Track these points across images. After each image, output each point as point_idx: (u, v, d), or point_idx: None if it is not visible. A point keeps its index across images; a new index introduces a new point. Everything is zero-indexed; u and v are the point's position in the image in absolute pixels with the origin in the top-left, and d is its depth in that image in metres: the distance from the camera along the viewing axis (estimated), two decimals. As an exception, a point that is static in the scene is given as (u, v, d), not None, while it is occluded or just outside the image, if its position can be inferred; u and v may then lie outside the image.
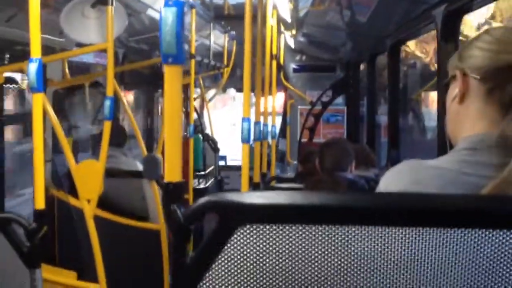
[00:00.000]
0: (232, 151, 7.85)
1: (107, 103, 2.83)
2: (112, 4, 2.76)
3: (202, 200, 0.96)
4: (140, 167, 3.80)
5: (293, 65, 6.80)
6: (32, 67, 2.04)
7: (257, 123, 3.24)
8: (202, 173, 6.24)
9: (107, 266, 2.78)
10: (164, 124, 3.97)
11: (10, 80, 3.14)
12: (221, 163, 7.31)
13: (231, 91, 9.48)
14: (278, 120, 6.53)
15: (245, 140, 2.57)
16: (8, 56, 3.21)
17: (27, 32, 2.08)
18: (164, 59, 1.08)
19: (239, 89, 8.86)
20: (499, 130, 1.04)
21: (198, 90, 6.85)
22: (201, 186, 5.65)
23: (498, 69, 1.05)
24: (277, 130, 6.39)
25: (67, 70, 3.77)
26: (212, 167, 6.52)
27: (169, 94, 1.11)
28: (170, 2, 1.07)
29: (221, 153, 7.02)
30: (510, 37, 1.07)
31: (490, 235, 0.89)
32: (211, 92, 7.59)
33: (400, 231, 0.91)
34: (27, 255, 1.86)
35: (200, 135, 6.39)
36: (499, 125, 1.05)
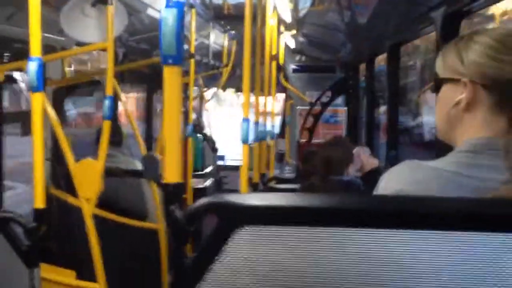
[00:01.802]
0: (231, 151, 7.86)
1: (107, 102, 2.83)
2: (112, 3, 2.76)
3: (202, 201, 0.97)
4: (138, 166, 3.80)
5: (292, 66, 6.81)
6: (32, 66, 2.04)
7: (256, 123, 3.24)
8: (201, 172, 6.24)
9: (106, 265, 2.78)
10: (163, 124, 3.98)
11: (10, 79, 3.14)
12: (220, 162, 7.31)
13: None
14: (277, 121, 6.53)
15: (244, 140, 2.58)
16: (7, 54, 3.21)
17: (27, 30, 2.08)
18: (164, 59, 1.08)
19: (239, 89, 8.86)
20: (506, 137, 1.03)
21: (197, 89, 6.84)
22: (200, 186, 5.65)
23: (510, 80, 1.03)
24: (276, 130, 6.39)
25: (66, 69, 3.77)
26: (211, 166, 6.52)
27: (168, 95, 1.11)
28: (171, 3, 1.07)
29: (219, 153, 7.03)
30: None
31: (489, 238, 0.90)
32: (210, 91, 7.60)
33: (398, 233, 0.91)
34: (26, 254, 1.86)
35: (199, 135, 6.39)
36: (506, 134, 1.04)
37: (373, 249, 0.91)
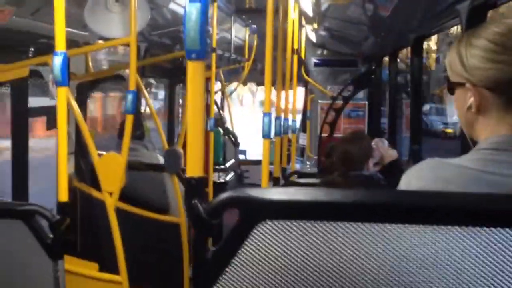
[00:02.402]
0: (252, 145, 7.87)
1: (130, 96, 2.85)
2: (135, -2, 2.77)
3: (224, 195, 0.97)
4: (161, 160, 3.83)
5: (314, 59, 6.77)
6: (57, 61, 2.07)
7: (277, 118, 3.24)
8: (222, 167, 6.25)
9: (128, 258, 2.81)
10: (184, 118, 3.97)
11: (35, 74, 3.18)
12: (241, 157, 7.32)
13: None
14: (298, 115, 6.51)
15: (266, 135, 2.58)
16: (32, 49, 3.25)
17: (52, 25, 2.10)
18: (188, 54, 1.09)
19: (260, 83, 8.86)
20: None
21: (219, 83, 6.86)
22: (221, 180, 5.67)
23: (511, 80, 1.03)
24: (297, 125, 6.37)
25: (90, 64, 3.81)
26: (232, 161, 6.54)
27: (192, 90, 1.12)
28: (195, -3, 1.07)
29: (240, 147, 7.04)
30: None
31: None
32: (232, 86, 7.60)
33: (420, 228, 0.91)
34: (50, 247, 1.89)
35: (220, 129, 6.40)
36: None
37: (395, 244, 0.91)
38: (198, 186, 1.10)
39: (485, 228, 0.89)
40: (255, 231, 0.93)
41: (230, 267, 0.95)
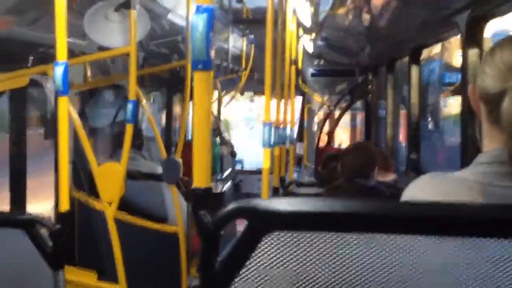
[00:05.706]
0: (249, 155, 7.86)
1: (129, 106, 2.85)
2: (135, 8, 2.78)
3: (231, 206, 0.97)
4: (159, 169, 3.82)
5: (311, 70, 6.78)
6: (59, 71, 2.07)
7: (276, 127, 3.25)
8: (220, 177, 6.24)
9: (127, 267, 2.80)
10: (182, 127, 3.97)
11: (34, 83, 3.18)
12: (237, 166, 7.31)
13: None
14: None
15: (266, 144, 2.58)
16: (31, 58, 3.24)
17: (50, 34, 2.10)
18: (195, 65, 1.09)
19: (257, 93, 8.88)
20: (507, 148, 1.03)
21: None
22: (218, 190, 5.65)
23: (496, 94, 1.03)
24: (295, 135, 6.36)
25: (88, 73, 3.80)
26: (229, 170, 6.53)
27: (198, 100, 1.12)
28: (201, 9, 1.08)
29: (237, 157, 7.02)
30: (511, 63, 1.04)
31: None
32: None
33: (425, 240, 0.91)
34: (51, 256, 1.88)
35: (217, 139, 6.40)
36: (507, 144, 1.03)
37: (402, 255, 0.91)
38: (205, 197, 1.10)
39: (494, 239, 0.89)
40: (263, 242, 0.93)
41: (237, 278, 0.95)
